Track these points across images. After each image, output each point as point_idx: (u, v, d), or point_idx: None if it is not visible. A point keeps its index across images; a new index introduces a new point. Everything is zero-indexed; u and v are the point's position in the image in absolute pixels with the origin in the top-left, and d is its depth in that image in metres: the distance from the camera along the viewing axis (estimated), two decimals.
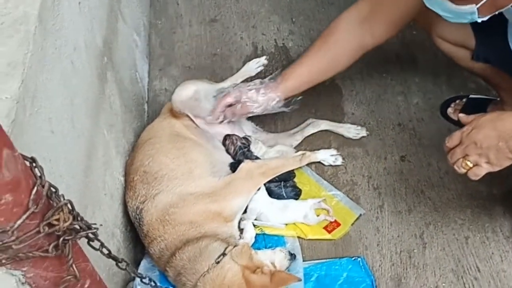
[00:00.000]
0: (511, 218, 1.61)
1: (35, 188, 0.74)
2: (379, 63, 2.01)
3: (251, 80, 1.66)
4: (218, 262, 1.29)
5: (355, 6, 1.52)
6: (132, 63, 1.87)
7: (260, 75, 1.89)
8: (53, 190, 0.79)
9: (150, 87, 2.04)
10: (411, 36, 2.12)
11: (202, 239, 1.36)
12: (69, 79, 1.16)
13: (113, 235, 1.37)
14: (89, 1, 1.40)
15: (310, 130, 1.84)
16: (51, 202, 0.78)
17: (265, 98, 1.55)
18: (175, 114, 1.65)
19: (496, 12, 1.14)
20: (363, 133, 1.85)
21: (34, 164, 0.76)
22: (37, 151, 0.91)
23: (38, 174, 0.76)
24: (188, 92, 1.63)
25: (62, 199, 0.79)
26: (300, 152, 1.72)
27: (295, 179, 1.68)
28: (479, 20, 1.15)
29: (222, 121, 1.62)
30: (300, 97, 1.62)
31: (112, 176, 1.44)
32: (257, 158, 1.67)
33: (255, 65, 1.82)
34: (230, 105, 1.58)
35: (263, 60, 1.82)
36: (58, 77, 1.09)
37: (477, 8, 1.11)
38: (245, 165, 1.56)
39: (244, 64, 2.06)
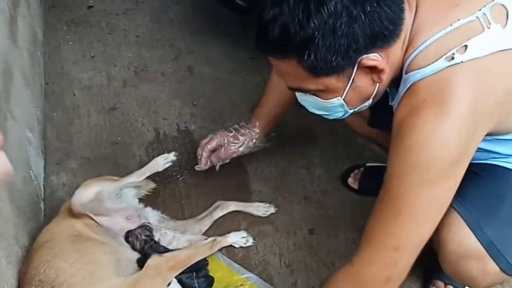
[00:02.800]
0: (421, 273, 1.66)
1: None
2: (281, 137, 2.05)
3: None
4: None
5: None
6: (25, 161, 1.76)
7: (168, 170, 1.84)
8: None
9: (47, 183, 1.92)
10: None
11: None
12: None
13: None
14: None
15: (219, 213, 1.82)
16: None
17: (246, 137, 1.75)
18: (74, 214, 1.56)
19: (366, 104, 1.18)
20: (272, 210, 1.86)
21: None
22: None
23: None
24: (89, 195, 1.54)
25: None
26: (210, 239, 1.68)
27: (208, 267, 1.64)
28: (351, 111, 1.18)
29: (209, 167, 1.79)
30: (273, 134, 1.83)
31: None
32: (166, 249, 1.61)
33: (163, 161, 1.77)
34: (213, 151, 1.76)
35: (171, 156, 1.78)
36: None
37: (344, 100, 1.13)
38: (152, 260, 1.48)
39: (146, 150, 2.07)
